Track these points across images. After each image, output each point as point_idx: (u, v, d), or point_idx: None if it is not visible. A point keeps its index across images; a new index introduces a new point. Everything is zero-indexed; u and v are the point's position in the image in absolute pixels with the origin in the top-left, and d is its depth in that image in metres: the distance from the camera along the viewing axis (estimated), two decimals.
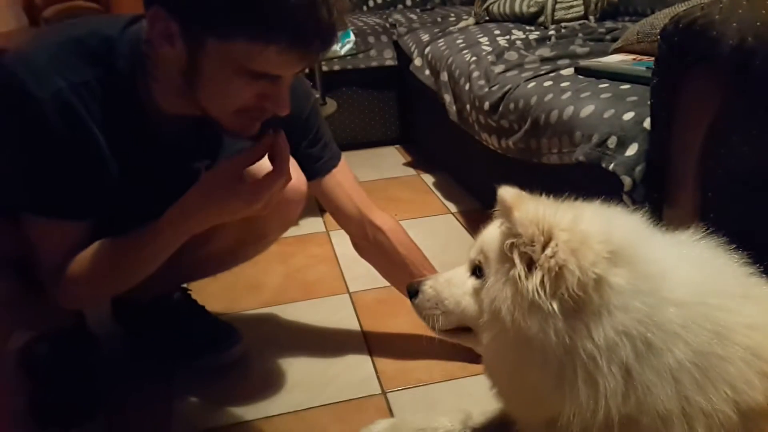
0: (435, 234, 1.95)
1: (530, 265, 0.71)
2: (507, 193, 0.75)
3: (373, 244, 1.32)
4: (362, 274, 1.67)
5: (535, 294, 0.69)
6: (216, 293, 1.60)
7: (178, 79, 0.91)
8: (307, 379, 1.32)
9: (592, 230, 0.70)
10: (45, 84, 0.91)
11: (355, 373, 1.33)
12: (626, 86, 1.36)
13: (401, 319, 1.49)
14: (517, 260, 0.72)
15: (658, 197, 1.12)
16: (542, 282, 0.69)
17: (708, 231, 0.79)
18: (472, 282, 0.84)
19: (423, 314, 0.92)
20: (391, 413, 1.21)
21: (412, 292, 0.93)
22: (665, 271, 0.72)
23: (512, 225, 0.72)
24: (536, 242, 0.70)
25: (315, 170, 1.26)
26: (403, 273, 1.30)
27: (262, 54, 0.85)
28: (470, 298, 0.84)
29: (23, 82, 0.90)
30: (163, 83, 0.96)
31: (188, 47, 0.87)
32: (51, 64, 0.92)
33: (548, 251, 0.69)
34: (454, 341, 0.93)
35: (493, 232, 0.81)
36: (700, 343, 0.68)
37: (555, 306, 0.68)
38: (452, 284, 0.88)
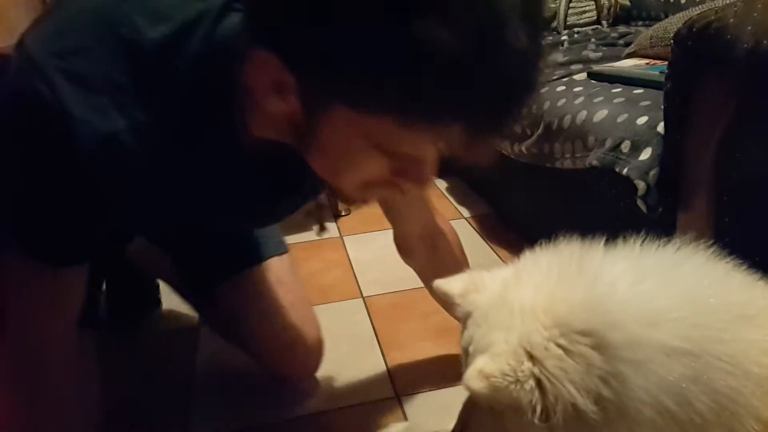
0: None
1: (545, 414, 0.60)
2: (475, 385, 0.60)
3: (430, 247, 1.19)
4: (376, 279, 1.68)
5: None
6: None
7: (284, 128, 0.67)
8: (321, 383, 1.33)
9: (562, 333, 0.60)
10: (95, 122, 0.66)
11: (368, 376, 1.34)
12: (639, 91, 1.36)
13: (415, 323, 1.49)
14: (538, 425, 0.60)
15: (672, 201, 1.12)
16: (567, 425, 0.59)
17: (706, 240, 0.69)
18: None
19: None
20: (405, 417, 1.22)
21: None
22: (657, 319, 0.61)
23: (508, 406, 0.60)
24: (535, 402, 0.58)
25: None
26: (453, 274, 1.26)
27: (415, 139, 0.62)
28: None
29: (65, 112, 0.64)
30: (263, 122, 0.71)
31: (306, 108, 0.63)
32: (108, 91, 0.66)
33: (550, 397, 0.58)
34: None
35: (476, 384, 0.62)
36: (716, 387, 0.60)
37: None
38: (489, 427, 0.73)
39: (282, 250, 1.31)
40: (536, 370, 0.59)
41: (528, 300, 0.65)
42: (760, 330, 0.63)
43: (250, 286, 1.24)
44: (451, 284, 0.76)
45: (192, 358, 1.45)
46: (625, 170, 1.19)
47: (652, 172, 1.14)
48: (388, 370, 1.35)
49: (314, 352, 1.29)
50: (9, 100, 0.67)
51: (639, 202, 1.15)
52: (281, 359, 1.26)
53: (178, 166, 0.74)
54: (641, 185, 1.15)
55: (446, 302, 1.31)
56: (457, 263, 1.19)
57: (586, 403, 0.58)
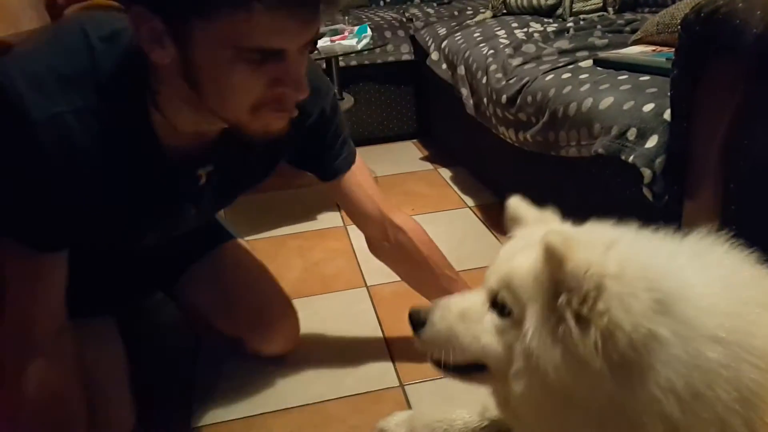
0: (452, 228, 1.94)
1: (579, 319, 0.64)
2: (557, 238, 0.64)
3: (393, 245, 1.27)
4: (380, 268, 1.66)
5: (588, 355, 0.63)
6: None
7: (182, 87, 0.83)
8: (325, 372, 1.33)
9: (639, 275, 0.64)
10: (45, 105, 0.80)
11: (373, 365, 1.34)
12: (646, 77, 1.35)
13: None
14: (570, 320, 0.64)
15: (678, 190, 1.11)
16: (596, 343, 0.63)
17: (725, 232, 0.73)
18: (493, 319, 0.74)
19: (431, 349, 0.80)
20: (408, 405, 1.22)
21: (418, 323, 0.81)
22: (700, 305, 0.65)
23: (564, 278, 0.64)
24: (589, 298, 0.62)
25: (335, 168, 1.20)
26: (425, 273, 1.29)
27: (252, 24, 0.75)
28: (493, 337, 0.74)
29: (21, 99, 0.79)
30: (170, 96, 0.86)
31: (178, 43, 0.78)
32: (56, 83, 0.81)
33: (600, 306, 0.62)
34: (464, 382, 0.82)
35: (522, 266, 0.71)
36: (742, 377, 0.63)
37: (605, 365, 0.63)
38: (468, 318, 0.77)
39: (238, 236, 1.40)
40: (606, 280, 0.62)
41: (606, 239, 0.68)
42: None
43: (213, 266, 1.29)
44: (526, 209, 0.82)
45: (195, 344, 1.45)
46: (631, 158, 1.18)
47: (659, 160, 1.13)
48: (392, 359, 1.35)
49: (288, 320, 1.33)
50: None
51: (645, 190, 1.14)
52: (258, 330, 1.28)
53: (115, 157, 0.87)
54: (647, 173, 1.14)
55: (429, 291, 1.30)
56: (422, 259, 1.28)
57: (627, 334, 0.61)
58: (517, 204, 0.83)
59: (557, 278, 0.64)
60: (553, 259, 0.64)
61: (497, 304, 0.73)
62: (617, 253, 0.65)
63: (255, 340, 1.29)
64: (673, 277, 0.66)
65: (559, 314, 0.65)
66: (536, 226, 0.79)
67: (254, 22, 0.75)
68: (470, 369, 0.79)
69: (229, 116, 0.86)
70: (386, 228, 1.26)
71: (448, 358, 0.78)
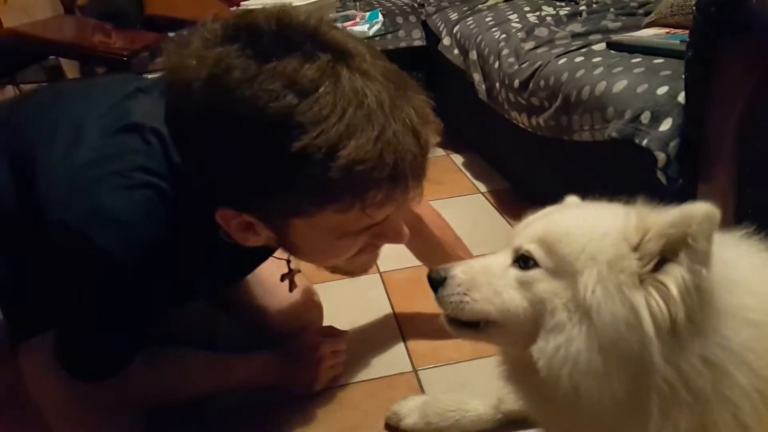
0: (464, 214, 1.94)
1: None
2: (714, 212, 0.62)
3: (412, 232, 1.31)
4: (393, 255, 1.66)
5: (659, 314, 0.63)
6: None
7: (274, 245, 0.86)
8: None
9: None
10: (134, 246, 0.81)
11: (386, 351, 1.35)
12: (660, 60, 1.33)
13: (431, 297, 1.48)
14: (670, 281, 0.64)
15: (692, 173, 1.10)
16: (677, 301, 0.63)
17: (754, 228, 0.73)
18: (517, 274, 0.73)
19: (449, 300, 0.78)
20: (422, 390, 1.23)
21: (437, 281, 0.79)
22: (743, 288, 0.67)
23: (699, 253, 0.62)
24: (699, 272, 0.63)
25: None
26: (438, 254, 1.32)
27: (359, 215, 0.75)
28: (516, 292, 0.73)
29: (115, 249, 0.80)
30: (252, 242, 0.85)
31: (274, 231, 0.80)
32: (137, 220, 0.82)
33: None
34: (477, 339, 0.81)
35: (562, 223, 0.73)
36: (763, 366, 0.64)
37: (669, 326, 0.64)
38: (490, 273, 0.76)
39: None
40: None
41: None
42: None
43: None
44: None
45: (210, 333, 1.47)
46: (645, 141, 1.17)
47: (673, 144, 1.12)
48: (405, 345, 1.36)
49: (312, 295, 1.35)
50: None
51: (659, 174, 1.14)
52: (286, 323, 1.29)
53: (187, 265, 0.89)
54: (662, 156, 1.13)
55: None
56: (438, 243, 1.34)
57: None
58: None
59: (677, 239, 0.63)
60: (683, 222, 0.62)
61: (521, 260, 0.73)
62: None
63: (282, 327, 1.29)
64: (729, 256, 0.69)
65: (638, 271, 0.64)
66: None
67: (360, 213, 0.75)
68: (474, 325, 0.78)
69: (329, 269, 0.93)
70: (408, 216, 1.27)
71: (464, 314, 0.77)
